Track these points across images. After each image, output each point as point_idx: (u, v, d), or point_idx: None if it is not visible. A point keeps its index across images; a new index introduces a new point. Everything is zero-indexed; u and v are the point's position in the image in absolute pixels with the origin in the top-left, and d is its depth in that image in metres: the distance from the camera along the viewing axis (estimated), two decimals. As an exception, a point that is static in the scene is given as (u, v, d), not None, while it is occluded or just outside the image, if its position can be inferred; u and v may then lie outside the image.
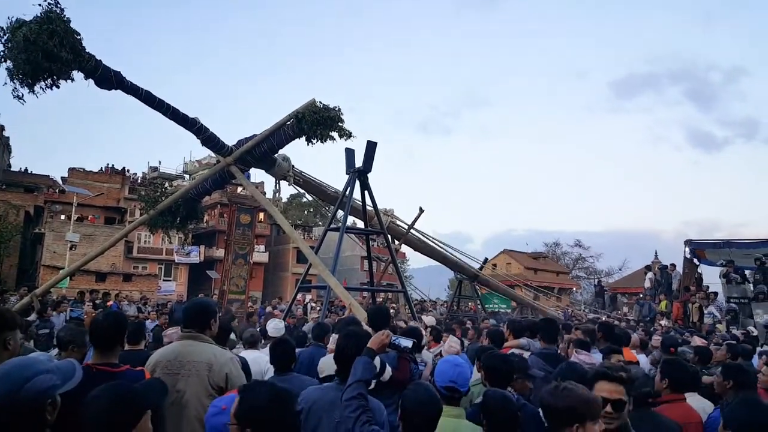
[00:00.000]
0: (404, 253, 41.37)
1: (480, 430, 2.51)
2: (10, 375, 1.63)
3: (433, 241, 13.80)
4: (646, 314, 13.99)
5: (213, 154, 9.38)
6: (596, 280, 30.75)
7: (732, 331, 10.07)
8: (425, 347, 5.34)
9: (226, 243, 11.84)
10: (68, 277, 15.04)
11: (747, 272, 12.77)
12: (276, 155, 8.74)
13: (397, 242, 13.28)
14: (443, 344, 5.34)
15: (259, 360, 4.19)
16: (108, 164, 42.61)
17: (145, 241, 35.69)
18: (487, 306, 16.84)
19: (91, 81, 6.68)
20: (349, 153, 8.56)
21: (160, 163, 45.54)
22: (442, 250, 13.98)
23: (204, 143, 8.04)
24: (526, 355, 4.25)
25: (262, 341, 5.08)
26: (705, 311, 11.88)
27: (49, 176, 42.24)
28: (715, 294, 12.94)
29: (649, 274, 16.09)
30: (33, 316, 6.36)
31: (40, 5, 6.18)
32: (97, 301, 12.34)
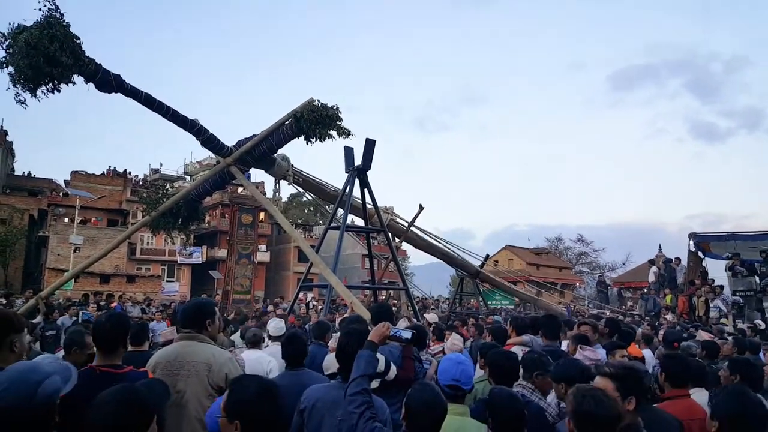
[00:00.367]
0: (405, 251, 41.41)
1: (484, 428, 2.50)
2: (23, 379, 1.67)
3: (433, 238, 13.80)
4: (651, 309, 13.96)
5: (213, 155, 9.39)
6: (600, 275, 30.67)
7: (738, 325, 10.04)
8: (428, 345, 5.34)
9: (228, 243, 11.89)
10: (73, 279, 15.10)
11: (756, 265, 12.69)
12: (275, 155, 8.75)
13: (397, 240, 13.28)
14: (446, 342, 5.33)
15: (262, 360, 4.20)
16: (110, 167, 42.78)
17: (148, 242, 35.82)
18: (489, 303, 16.83)
19: (91, 85, 6.70)
20: (348, 151, 8.57)
21: (161, 164, 45.78)
22: (443, 247, 13.97)
23: (204, 144, 8.05)
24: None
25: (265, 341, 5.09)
26: (711, 305, 11.82)
27: (52, 180, 42.39)
28: (721, 287, 12.87)
29: (653, 268, 16.03)
30: (39, 318, 6.40)
31: (40, 10, 6.21)
32: (101, 303, 12.40)
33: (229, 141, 8.34)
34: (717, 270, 13.77)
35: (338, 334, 3.82)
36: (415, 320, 7.48)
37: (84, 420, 1.70)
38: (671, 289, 14.18)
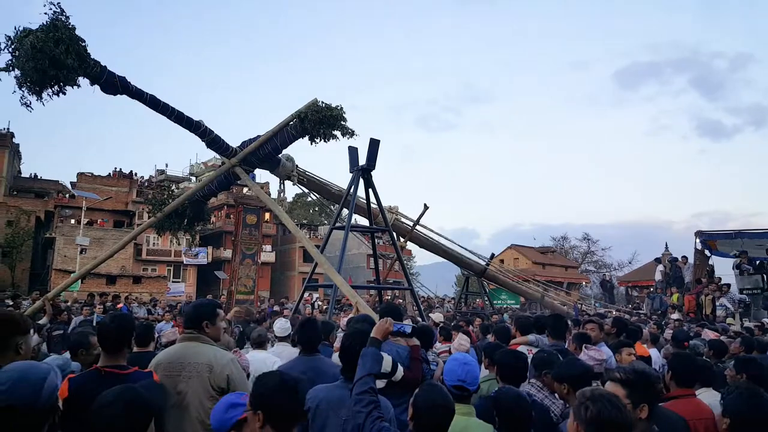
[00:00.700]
0: (410, 251, 41.39)
1: (490, 428, 2.49)
2: (28, 377, 1.68)
3: (438, 238, 13.77)
4: (657, 307, 13.87)
5: (218, 156, 9.41)
6: (603, 275, 30.52)
7: (744, 323, 9.96)
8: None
9: (233, 243, 11.91)
10: (79, 281, 15.18)
11: (757, 262, 12.60)
12: (280, 155, 8.76)
13: (402, 239, 13.25)
14: (453, 342, 5.32)
15: (267, 360, 4.20)
16: (116, 168, 43.04)
17: (154, 243, 35.99)
18: (495, 302, 16.77)
19: (96, 87, 6.73)
20: (353, 151, 8.56)
21: (167, 165, 45.95)
22: (448, 246, 13.93)
23: (209, 145, 8.07)
24: (534, 351, 4.22)
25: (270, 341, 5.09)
26: (717, 303, 11.73)
27: (58, 181, 42.69)
28: (728, 286, 12.77)
29: (660, 267, 15.94)
30: (45, 320, 6.43)
31: (46, 14, 6.25)
32: (107, 304, 12.45)
33: (234, 142, 8.37)
34: (725, 268, 13.68)
35: (342, 333, 3.82)
36: (420, 320, 7.47)
37: (89, 420, 1.71)
38: (677, 288, 14.09)
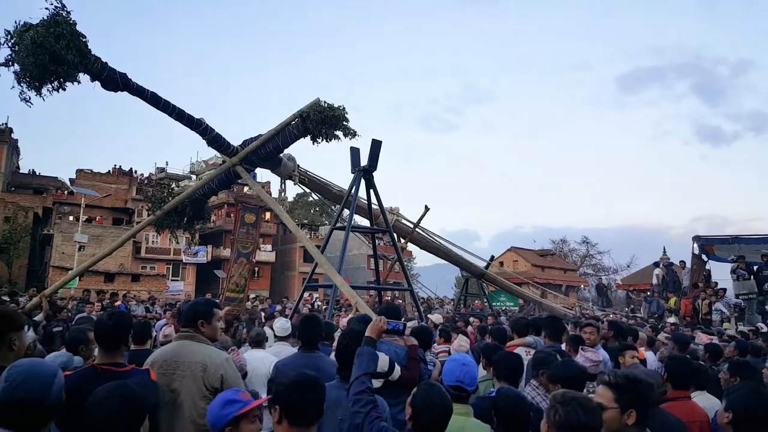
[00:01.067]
0: (411, 252, 41.40)
1: (488, 428, 2.50)
2: (38, 374, 1.72)
3: (439, 240, 13.77)
4: (654, 311, 13.92)
5: (219, 155, 9.39)
6: (600, 279, 30.56)
7: (739, 327, 9.98)
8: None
9: (231, 242, 11.87)
10: (77, 278, 15.18)
11: (755, 267, 12.64)
12: (281, 155, 8.75)
13: (402, 241, 13.26)
14: (453, 343, 5.32)
15: (265, 359, 4.20)
16: (115, 165, 43.01)
17: (153, 241, 35.95)
18: (494, 304, 16.79)
19: (97, 83, 6.71)
20: (354, 152, 8.56)
21: (167, 163, 45.85)
22: (448, 248, 13.94)
23: (210, 144, 8.06)
24: (532, 353, 4.23)
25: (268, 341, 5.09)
26: (713, 308, 11.77)
27: (57, 178, 42.65)
28: (724, 290, 12.81)
29: (657, 271, 15.99)
30: (41, 317, 6.41)
31: (46, 9, 6.23)
32: (105, 302, 12.44)
33: (235, 140, 8.36)
34: (723, 273, 13.71)
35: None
36: (418, 321, 7.47)
37: (86, 416, 1.72)
38: (674, 292, 14.14)
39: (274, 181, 44.32)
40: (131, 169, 43.10)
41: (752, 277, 12.20)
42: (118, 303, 12.77)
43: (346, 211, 9.08)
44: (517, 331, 4.92)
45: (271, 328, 5.20)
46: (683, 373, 3.08)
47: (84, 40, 6.34)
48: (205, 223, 10.93)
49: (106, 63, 6.62)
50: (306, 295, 13.64)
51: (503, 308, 17.82)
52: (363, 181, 8.55)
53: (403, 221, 12.91)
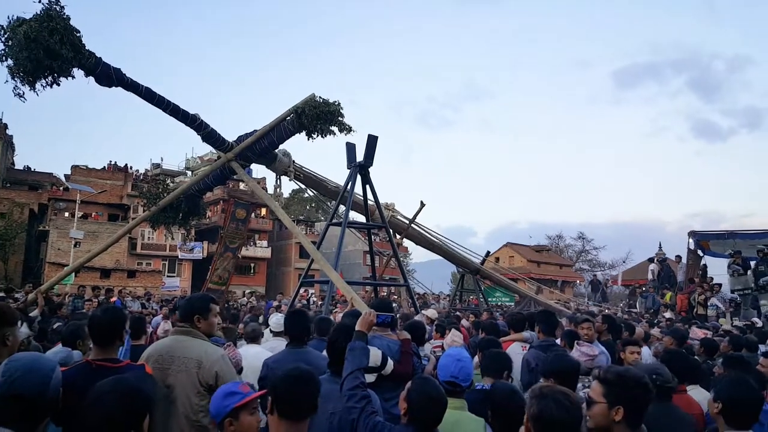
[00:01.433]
0: (406, 248, 41.40)
1: (482, 421, 2.51)
2: (38, 369, 1.72)
3: (434, 235, 13.78)
4: (650, 306, 13.99)
5: (214, 151, 9.35)
6: (594, 275, 30.69)
7: (734, 322, 10.05)
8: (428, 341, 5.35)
9: (220, 236, 11.82)
10: (73, 274, 15.11)
11: (751, 263, 12.71)
12: (276, 151, 8.73)
13: (398, 236, 13.25)
14: (446, 338, 5.34)
15: (260, 355, 4.20)
16: (111, 161, 42.84)
17: (149, 237, 35.87)
18: (489, 300, 16.84)
19: (91, 78, 6.67)
20: (350, 147, 8.55)
21: (162, 159, 45.85)
22: (443, 243, 13.96)
23: (204, 139, 8.01)
24: (528, 348, 4.25)
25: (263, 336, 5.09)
26: (709, 303, 11.84)
27: (52, 174, 42.44)
28: (719, 285, 12.88)
29: (652, 266, 16.07)
30: (36, 312, 6.39)
31: (40, 2, 6.17)
32: (100, 298, 12.41)
33: (230, 136, 8.32)
34: (719, 268, 13.80)
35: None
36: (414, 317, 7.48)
37: (83, 412, 1.71)
38: (669, 287, 14.21)
39: (270, 177, 44.23)
40: (126, 165, 42.95)
41: (748, 272, 12.28)
42: (114, 299, 12.73)
43: (342, 207, 9.06)
44: (513, 326, 4.93)
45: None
46: (679, 368, 3.12)
47: (78, 35, 6.29)
48: (200, 219, 10.87)
49: (100, 58, 6.57)
50: (302, 290, 13.63)
51: (499, 303, 17.88)
52: (359, 177, 8.54)
53: (399, 217, 12.91)
